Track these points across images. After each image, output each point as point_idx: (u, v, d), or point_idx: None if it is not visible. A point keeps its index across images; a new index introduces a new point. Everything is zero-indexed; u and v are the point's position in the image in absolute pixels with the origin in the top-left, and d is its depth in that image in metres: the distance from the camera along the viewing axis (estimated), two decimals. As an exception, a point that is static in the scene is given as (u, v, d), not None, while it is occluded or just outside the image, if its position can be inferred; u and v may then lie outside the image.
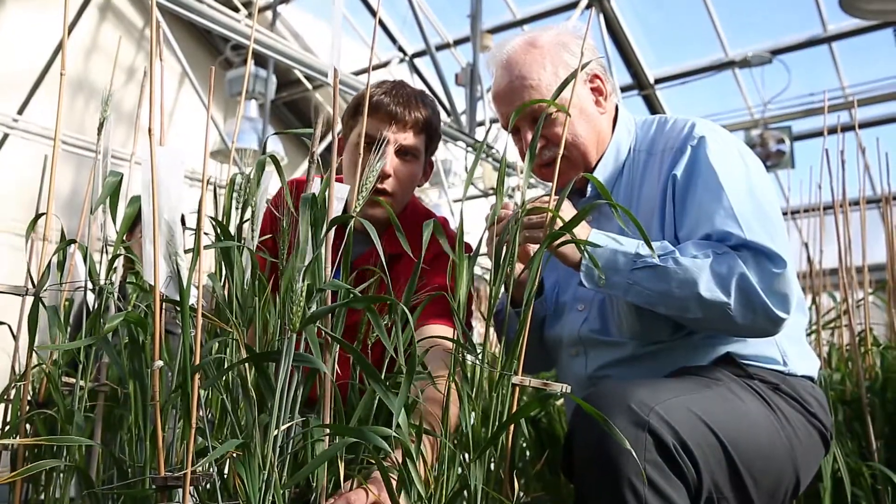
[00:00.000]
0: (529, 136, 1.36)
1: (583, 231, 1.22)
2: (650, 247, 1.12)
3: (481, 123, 5.78)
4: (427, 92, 1.59)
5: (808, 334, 2.18)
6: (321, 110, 7.01)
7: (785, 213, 3.44)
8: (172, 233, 0.96)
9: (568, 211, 1.21)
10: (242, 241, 1.04)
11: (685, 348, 1.30)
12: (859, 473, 1.64)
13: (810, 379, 1.33)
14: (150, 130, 0.90)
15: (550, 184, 1.23)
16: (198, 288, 0.91)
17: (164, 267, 0.94)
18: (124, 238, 1.10)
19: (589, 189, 1.43)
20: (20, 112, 4.81)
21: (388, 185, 1.48)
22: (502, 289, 1.12)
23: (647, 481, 0.99)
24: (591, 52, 1.40)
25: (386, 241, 1.40)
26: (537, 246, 1.14)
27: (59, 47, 4.56)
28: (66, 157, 4.46)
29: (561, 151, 1.21)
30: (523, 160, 1.40)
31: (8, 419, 1.16)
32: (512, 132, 1.41)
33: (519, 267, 1.23)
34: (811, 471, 1.27)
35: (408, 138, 1.50)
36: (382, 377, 1.03)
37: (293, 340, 0.89)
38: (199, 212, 0.94)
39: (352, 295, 0.98)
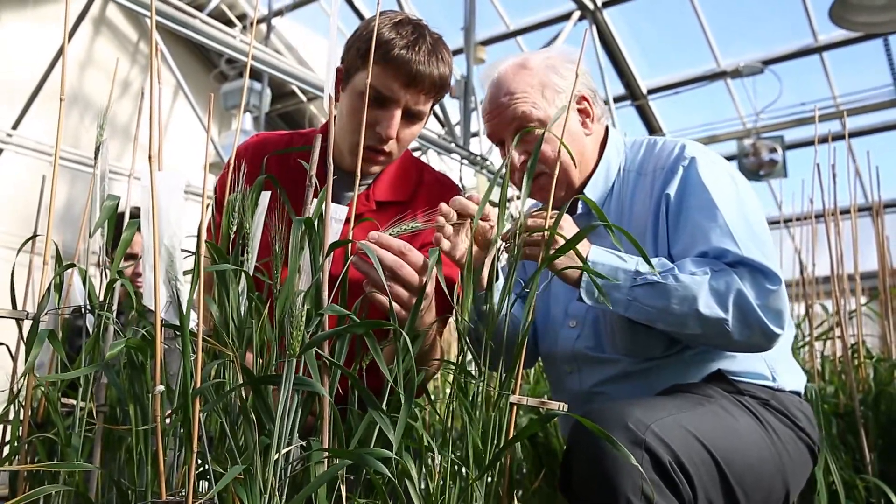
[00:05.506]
0: (512, 150, 1.38)
1: (583, 247, 1.22)
2: (650, 264, 1.13)
3: (475, 135, 5.80)
4: (441, 37, 1.37)
5: (802, 346, 2.19)
6: (316, 123, 7.02)
7: (777, 222, 3.47)
8: (172, 258, 0.96)
9: (568, 227, 1.22)
10: (240, 264, 1.04)
11: (677, 365, 1.32)
12: (853, 486, 1.65)
13: (798, 394, 1.36)
14: (150, 158, 0.91)
15: (540, 200, 1.23)
16: (198, 312, 0.91)
17: (163, 292, 0.95)
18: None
19: (580, 206, 1.44)
20: (14, 127, 4.81)
21: (388, 146, 1.35)
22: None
23: (644, 499, 1.00)
24: (583, 76, 1.42)
25: (377, 186, 1.39)
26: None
27: (54, 63, 4.58)
28: (60, 170, 4.45)
29: (540, 166, 1.23)
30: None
31: (7, 440, 1.15)
32: (498, 145, 1.45)
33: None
34: (800, 483, 1.30)
35: (420, 102, 1.32)
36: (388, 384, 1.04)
37: (293, 365, 0.90)
38: (198, 236, 0.94)
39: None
